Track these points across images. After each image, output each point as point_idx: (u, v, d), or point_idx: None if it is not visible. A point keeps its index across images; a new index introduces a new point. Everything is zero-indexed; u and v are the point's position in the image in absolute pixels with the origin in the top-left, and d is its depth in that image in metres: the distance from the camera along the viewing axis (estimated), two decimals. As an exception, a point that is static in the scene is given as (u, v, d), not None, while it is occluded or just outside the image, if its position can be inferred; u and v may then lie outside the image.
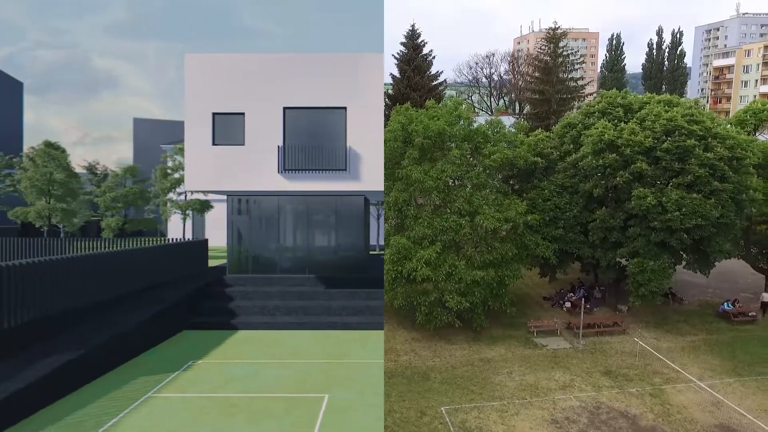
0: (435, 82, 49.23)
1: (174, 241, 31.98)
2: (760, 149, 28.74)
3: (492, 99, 71.78)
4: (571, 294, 31.58)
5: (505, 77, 72.60)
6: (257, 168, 24.03)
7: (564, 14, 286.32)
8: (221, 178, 24.08)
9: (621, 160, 25.43)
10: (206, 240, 31.54)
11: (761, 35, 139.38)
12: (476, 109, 68.72)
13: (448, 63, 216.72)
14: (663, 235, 25.34)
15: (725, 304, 30.00)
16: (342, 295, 26.69)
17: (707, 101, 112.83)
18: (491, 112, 68.70)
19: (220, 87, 24.03)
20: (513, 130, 29.17)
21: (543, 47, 48.05)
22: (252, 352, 21.90)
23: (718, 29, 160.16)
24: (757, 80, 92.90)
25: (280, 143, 23.73)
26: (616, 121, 27.43)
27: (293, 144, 23.68)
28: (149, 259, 26.22)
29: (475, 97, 75.20)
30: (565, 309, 30.78)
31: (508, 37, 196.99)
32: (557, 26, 47.39)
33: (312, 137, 23.76)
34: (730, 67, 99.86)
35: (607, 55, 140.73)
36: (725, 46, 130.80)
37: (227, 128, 23.86)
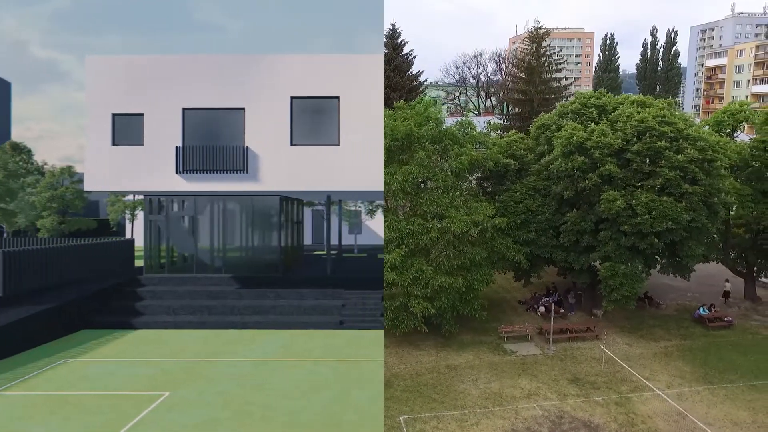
0: (415, 83, 48.66)
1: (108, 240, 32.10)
2: (735, 151, 28.22)
3: (480, 99, 71.14)
4: (546, 298, 31.01)
5: (493, 77, 72.11)
6: (156, 168, 24.25)
7: (565, 14, 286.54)
8: (120, 178, 24.34)
9: (590, 162, 24.86)
10: (132, 240, 31.54)
11: (756, 35, 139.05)
12: (463, 110, 68.18)
13: (447, 63, 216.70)
14: (634, 239, 24.78)
15: (701, 308, 29.46)
16: (251, 295, 27.06)
17: (701, 101, 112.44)
18: (479, 112, 68.13)
19: (120, 88, 24.25)
20: (484, 131, 28.57)
21: (526, 47, 47.46)
22: (131, 352, 22.26)
23: (713, 29, 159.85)
24: (749, 80, 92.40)
25: (179, 144, 23.72)
26: (589, 122, 26.87)
27: (192, 145, 23.72)
28: (60, 257, 26.55)
29: (463, 98, 74.57)
30: (539, 314, 30.23)
31: (507, 37, 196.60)
32: (540, 26, 46.84)
33: (214, 138, 23.79)
34: (722, 67, 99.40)
35: (601, 55, 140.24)
36: (720, 46, 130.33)
37: (127, 129, 23.97)
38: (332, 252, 39.86)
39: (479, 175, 29.98)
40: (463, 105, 70.90)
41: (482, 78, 70.06)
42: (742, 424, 19.70)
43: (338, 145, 23.17)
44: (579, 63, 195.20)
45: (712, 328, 28.34)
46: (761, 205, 29.57)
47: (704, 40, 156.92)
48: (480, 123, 53.35)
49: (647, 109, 25.17)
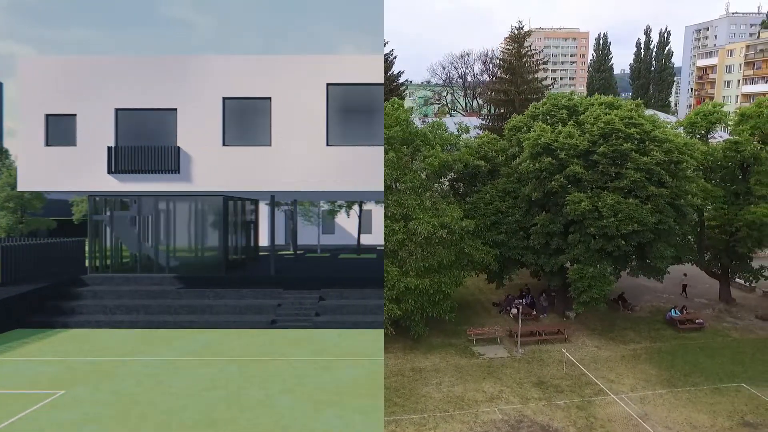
0: (395, 83, 48.45)
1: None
2: (704, 153, 28.11)
3: (467, 99, 70.91)
4: (519, 300, 30.88)
5: (481, 77, 71.86)
6: (88, 169, 24.22)
7: (565, 13, 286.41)
8: (54, 178, 24.33)
9: (557, 163, 24.73)
10: (83, 240, 31.45)
11: (750, 35, 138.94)
12: (450, 110, 68.00)
13: (434, 63, 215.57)
14: (601, 242, 24.66)
15: (672, 310, 29.36)
16: (190, 295, 27.13)
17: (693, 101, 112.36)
18: (465, 112, 67.99)
19: (54, 89, 24.22)
20: (456, 132, 28.43)
21: (508, 47, 47.32)
22: (51, 351, 22.32)
23: (707, 29, 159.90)
24: (739, 80, 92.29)
25: (112, 144, 23.70)
26: (559, 123, 26.73)
27: (124, 145, 23.73)
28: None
29: (450, 98, 74.30)
30: (511, 316, 30.08)
31: (504, 37, 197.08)
32: (521, 25, 46.68)
33: (147, 138, 23.79)
34: (713, 67, 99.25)
35: (594, 55, 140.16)
36: (714, 45, 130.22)
37: (60, 129, 23.98)
38: (298, 251, 40.12)
39: (452, 176, 29.87)
40: (450, 105, 70.69)
41: (469, 78, 69.98)
42: (701, 428, 19.60)
43: (270, 145, 23.00)
44: (574, 63, 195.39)
45: (683, 330, 28.23)
46: (734, 207, 29.48)
47: (699, 39, 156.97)
48: (463, 124, 53.27)
49: (614, 111, 25.03)
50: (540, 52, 50.83)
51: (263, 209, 40.79)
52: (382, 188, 23.58)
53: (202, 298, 26.90)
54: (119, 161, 23.44)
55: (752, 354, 25.67)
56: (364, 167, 23.04)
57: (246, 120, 23.13)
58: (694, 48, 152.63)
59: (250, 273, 30.39)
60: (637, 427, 19.83)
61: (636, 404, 21.36)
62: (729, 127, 30.25)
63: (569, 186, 24.83)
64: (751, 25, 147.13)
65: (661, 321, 29.62)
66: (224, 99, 23.08)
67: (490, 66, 55.97)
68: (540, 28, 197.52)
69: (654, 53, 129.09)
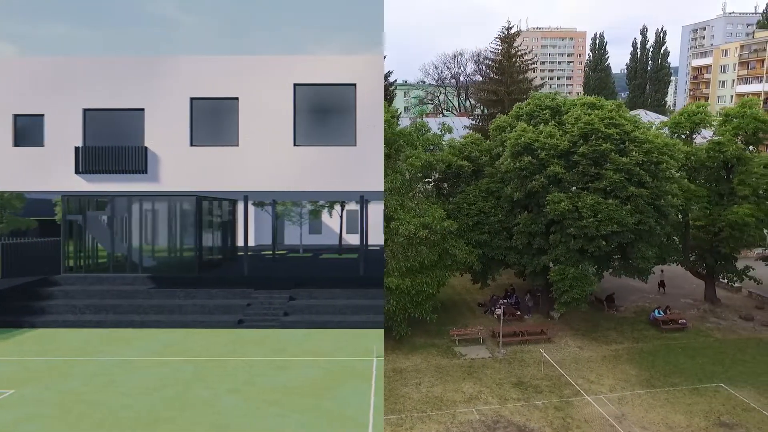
0: (384, 83, 48.41)
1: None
2: (688, 153, 28.13)
3: (459, 99, 70.96)
4: (504, 300, 30.90)
5: (474, 77, 71.83)
6: (56, 169, 24.26)
7: (567, 13, 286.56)
8: (22, 178, 24.41)
9: (538, 163, 24.75)
10: (59, 240, 31.41)
11: (747, 34, 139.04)
12: (443, 110, 68.03)
13: (426, 63, 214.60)
14: (582, 242, 24.69)
15: (656, 311, 29.38)
16: (161, 294, 27.21)
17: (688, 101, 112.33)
18: (457, 112, 67.97)
19: (21, 89, 24.27)
20: (439, 133, 28.45)
21: (497, 47, 47.33)
22: (11, 350, 22.31)
23: (704, 29, 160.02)
24: (734, 80, 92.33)
25: (80, 144, 23.74)
26: (542, 123, 26.76)
27: (92, 145, 23.75)
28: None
29: (442, 98, 74.28)
30: (496, 316, 30.09)
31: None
32: (510, 26, 46.70)
33: (114, 139, 23.81)
34: (707, 67, 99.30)
35: (590, 54, 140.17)
36: (711, 45, 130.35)
37: (28, 130, 24.07)
38: (282, 252, 40.12)
39: (437, 176, 29.91)
40: (443, 105, 70.73)
41: (462, 78, 69.96)
42: (676, 428, 19.62)
43: (237, 145, 23.02)
44: (571, 63, 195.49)
45: (666, 330, 28.25)
46: (718, 207, 29.51)
47: (696, 39, 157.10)
48: (455, 123, 53.31)
49: (595, 111, 25.05)
50: (530, 51, 50.70)
51: (250, 209, 40.81)
52: (355, 188, 23.56)
53: (173, 298, 26.97)
54: (87, 161, 23.47)
55: (733, 354, 25.70)
56: (333, 167, 23.02)
57: (214, 120, 23.17)
58: (691, 48, 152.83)
59: (225, 273, 30.42)
60: (614, 428, 19.84)
61: (614, 405, 21.38)
62: (713, 128, 30.26)
63: (550, 186, 24.85)
64: (748, 25, 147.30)
65: (645, 321, 29.65)
66: (192, 99, 23.11)
67: (482, 66, 56.02)
68: (537, 28, 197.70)
69: (650, 53, 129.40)
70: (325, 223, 46.14)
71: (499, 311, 29.98)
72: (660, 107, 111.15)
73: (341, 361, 21.25)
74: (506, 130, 28.23)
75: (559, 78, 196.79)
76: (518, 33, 47.47)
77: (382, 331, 25.18)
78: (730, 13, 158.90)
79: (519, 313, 30.12)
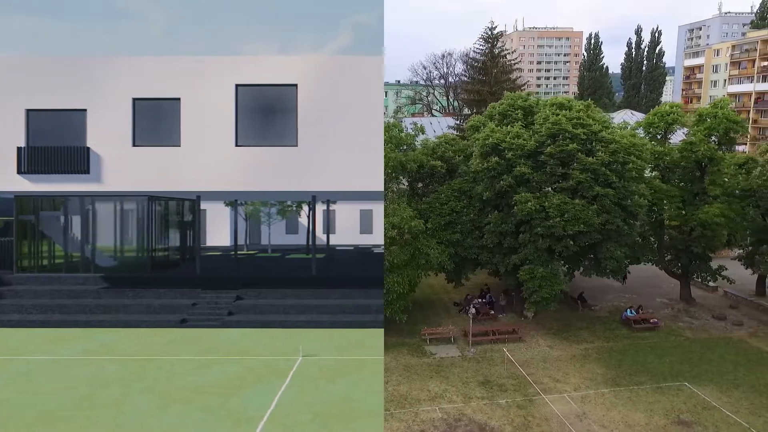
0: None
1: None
2: (655, 153, 28.28)
3: (448, 99, 71.14)
4: (478, 300, 31.06)
5: (463, 77, 71.83)
6: None
7: (567, 13, 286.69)
8: None
9: (505, 163, 24.90)
10: (11, 240, 31.24)
11: (742, 34, 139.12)
12: (431, 110, 68.28)
13: (414, 63, 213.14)
14: (549, 242, 24.83)
15: (628, 310, 29.52)
16: (110, 294, 27.12)
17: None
18: (445, 112, 68.08)
19: None
20: (412, 133, 28.60)
21: (480, 47, 47.47)
22: None
23: (700, 28, 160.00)
24: (725, 80, 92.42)
25: (22, 144, 23.57)
26: (514, 123, 26.88)
27: (34, 146, 23.52)
28: None
29: (431, 98, 74.43)
30: (469, 315, 30.24)
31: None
32: (494, 26, 46.79)
33: (58, 139, 23.52)
34: (700, 67, 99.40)
35: (585, 54, 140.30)
36: (707, 45, 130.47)
37: None
38: (249, 252, 40.01)
39: (410, 176, 30.04)
40: (432, 105, 70.94)
41: (450, 78, 70.12)
42: (635, 426, 19.77)
43: (179, 146, 23.16)
44: (568, 62, 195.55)
45: (638, 330, 28.39)
46: (692, 207, 29.64)
47: (692, 39, 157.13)
48: (440, 123, 53.45)
49: (563, 112, 25.18)
50: (513, 51, 50.79)
51: (225, 210, 41.00)
52: (297, 188, 23.43)
53: (121, 297, 26.87)
54: (30, 162, 23.34)
55: (701, 353, 25.84)
56: (276, 167, 22.96)
57: (156, 120, 23.22)
58: (687, 48, 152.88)
59: (181, 273, 30.17)
60: (574, 426, 20.01)
61: (576, 403, 21.54)
62: (686, 128, 30.39)
63: (518, 186, 24.99)
64: (744, 25, 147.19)
65: (618, 321, 29.77)
66: (134, 100, 23.13)
67: (466, 66, 56.13)
68: (534, 28, 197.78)
69: (645, 53, 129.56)
70: (301, 223, 46.17)
71: (473, 311, 30.21)
72: (655, 107, 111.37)
73: (266, 360, 20.85)
74: (479, 130, 28.38)
75: (555, 78, 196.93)
76: (501, 33, 47.54)
77: (292, 330, 24.63)
78: (726, 13, 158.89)
79: (493, 312, 30.26)
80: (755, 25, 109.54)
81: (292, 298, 26.70)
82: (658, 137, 30.93)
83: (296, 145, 22.73)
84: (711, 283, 33.47)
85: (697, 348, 26.46)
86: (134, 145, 23.12)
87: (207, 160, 23.12)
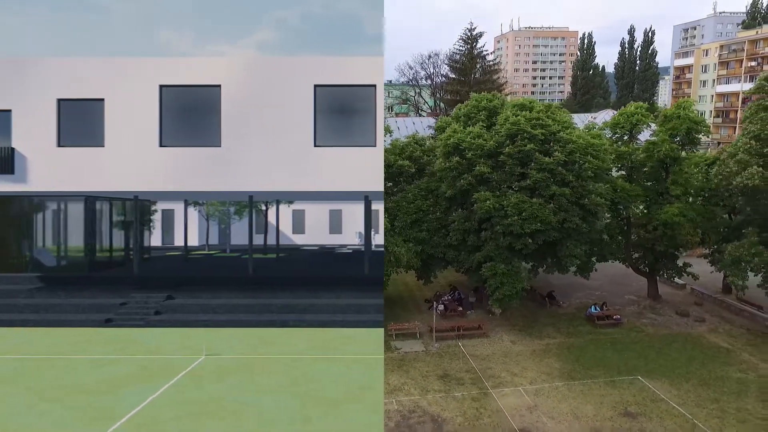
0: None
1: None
2: (614, 153, 28.91)
3: (436, 99, 71.83)
4: (447, 297, 31.71)
5: (452, 77, 72.43)
6: None
7: (567, 13, 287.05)
8: None
9: (466, 163, 25.54)
10: None
11: (736, 34, 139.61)
12: (419, 110, 69.03)
13: (401, 63, 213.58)
14: (508, 239, 25.46)
15: (593, 307, 30.14)
16: (43, 293, 27.08)
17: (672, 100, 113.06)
18: (430, 111, 68.76)
19: None
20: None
21: (460, 48, 48.11)
22: None
23: (695, 28, 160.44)
24: (714, 80, 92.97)
25: None
26: (478, 124, 27.53)
27: None
28: None
29: (416, 98, 75.14)
30: (438, 312, 30.88)
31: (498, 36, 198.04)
32: (473, 27, 47.41)
33: None
34: (689, 67, 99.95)
35: (578, 54, 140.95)
36: (696, 45, 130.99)
37: None
38: (211, 252, 39.98)
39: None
40: (418, 105, 71.69)
41: (437, 79, 70.61)
42: (583, 418, 20.39)
43: (103, 146, 23.49)
44: (563, 62, 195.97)
45: (601, 326, 29.01)
46: (656, 206, 30.25)
47: (686, 39, 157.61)
48: (423, 123, 54.04)
49: (523, 113, 25.80)
50: (493, 53, 51.38)
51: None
52: (222, 188, 23.70)
53: (53, 297, 26.72)
54: None
55: (659, 348, 26.46)
56: (199, 167, 23.25)
57: (81, 121, 23.51)
58: (681, 47, 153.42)
59: (120, 273, 29.99)
60: (523, 417, 20.65)
61: (530, 396, 22.17)
62: (650, 128, 31.01)
63: (479, 185, 25.63)
64: (738, 24, 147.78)
65: (583, 317, 30.40)
66: (59, 100, 23.41)
67: (444, 67, 56.94)
68: (529, 27, 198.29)
69: (638, 52, 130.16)
70: (271, 222, 46.59)
71: (441, 307, 30.87)
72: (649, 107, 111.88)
73: (166, 359, 20.59)
74: (444, 131, 29.02)
75: (551, 78, 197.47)
76: (480, 34, 48.17)
77: (210, 330, 24.43)
78: (720, 13, 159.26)
79: (461, 309, 30.90)
80: (746, 25, 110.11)
81: (223, 298, 26.52)
82: (625, 138, 31.54)
83: (220, 146, 23.09)
84: (679, 281, 34.09)
85: (656, 343, 27.09)
86: (59, 145, 23.42)
87: (131, 161, 23.40)
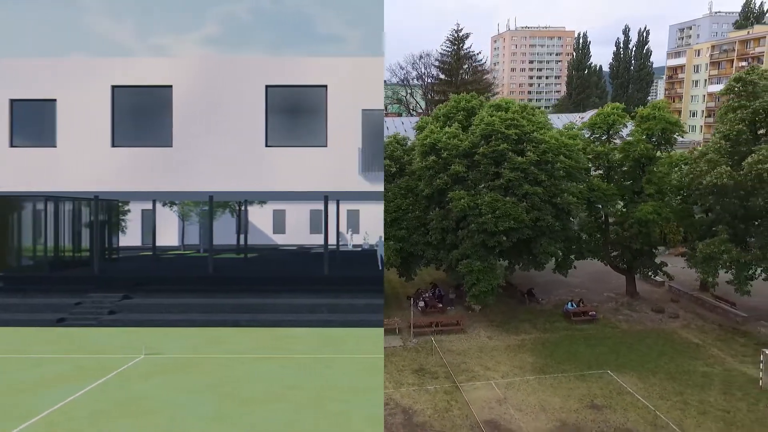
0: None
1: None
2: (595, 153, 29.49)
3: (427, 99, 72.47)
4: (428, 294, 32.34)
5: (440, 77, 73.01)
6: None
7: (567, 12, 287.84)
8: None
9: (442, 162, 26.14)
10: None
11: (728, 34, 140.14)
12: (411, 110, 69.69)
13: (392, 64, 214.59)
14: (483, 237, 26.07)
15: (569, 303, 30.77)
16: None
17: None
18: (421, 110, 69.39)
19: None
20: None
21: (446, 49, 48.69)
22: None
23: (690, 28, 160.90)
24: (705, 80, 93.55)
25: None
26: (456, 124, 28.14)
27: None
28: None
29: (407, 98, 75.79)
30: (419, 309, 31.51)
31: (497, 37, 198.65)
32: (460, 28, 47.99)
33: None
34: (682, 67, 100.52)
35: (574, 54, 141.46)
36: (694, 45, 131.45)
37: None
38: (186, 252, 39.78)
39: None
40: (410, 105, 72.33)
41: (428, 79, 71.24)
42: (549, 410, 21.02)
43: (55, 146, 23.76)
44: (560, 62, 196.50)
45: (576, 322, 29.62)
46: (632, 205, 30.84)
47: (682, 39, 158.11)
48: (411, 123, 54.55)
49: (499, 113, 26.39)
50: (479, 53, 52.00)
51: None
52: (172, 188, 24.04)
53: (12, 297, 26.48)
54: None
55: (631, 344, 27.07)
56: (151, 167, 23.60)
57: (33, 121, 23.81)
58: (677, 47, 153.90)
59: (82, 273, 29.75)
60: (492, 409, 21.27)
61: (500, 389, 22.79)
62: (626, 128, 31.60)
63: (454, 184, 26.24)
64: (733, 24, 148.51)
65: (560, 314, 31.00)
66: (11, 101, 23.59)
67: (430, 67, 57.47)
68: (526, 27, 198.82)
69: (633, 52, 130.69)
70: (252, 223, 46.91)
71: (422, 304, 31.51)
72: (643, 106, 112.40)
73: (102, 359, 20.32)
74: (423, 130, 29.64)
75: (548, 77, 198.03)
76: (467, 35, 48.74)
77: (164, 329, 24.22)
78: (716, 13, 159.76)
79: (441, 305, 31.51)
80: (739, 25, 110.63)
81: (180, 298, 26.33)
82: (603, 138, 32.13)
83: (171, 146, 23.48)
84: (658, 278, 34.68)
85: (628, 339, 27.70)
86: (12, 146, 23.66)
87: (83, 161, 23.68)
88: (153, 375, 18.67)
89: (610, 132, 31.91)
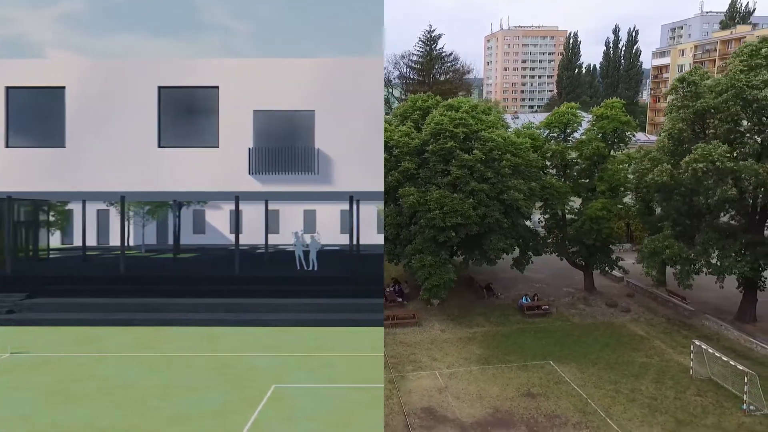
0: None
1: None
2: (552, 151, 30.37)
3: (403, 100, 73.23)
4: (388, 289, 33.13)
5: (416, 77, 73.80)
6: None
7: (567, 12, 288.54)
8: None
9: (394, 160, 26.97)
10: None
11: (712, 34, 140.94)
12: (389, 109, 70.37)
13: None
14: (432, 232, 26.90)
15: (524, 298, 31.58)
16: None
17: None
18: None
19: None
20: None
21: (419, 49, 49.54)
22: None
23: (681, 27, 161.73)
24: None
25: None
26: (410, 123, 29.00)
27: None
28: None
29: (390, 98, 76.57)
30: (379, 302, 32.30)
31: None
32: (433, 29, 48.82)
33: None
34: (666, 66, 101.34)
35: (564, 53, 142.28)
36: (679, 45, 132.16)
37: None
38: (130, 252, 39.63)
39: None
40: (391, 104, 73.01)
41: (406, 79, 71.90)
42: (486, 398, 21.83)
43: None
44: (552, 61, 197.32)
45: (529, 316, 30.45)
46: (587, 202, 31.69)
47: (674, 38, 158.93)
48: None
49: (450, 113, 27.22)
50: (450, 54, 52.73)
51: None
52: (66, 189, 24.50)
53: None
54: None
55: (578, 336, 27.90)
56: (44, 168, 24.08)
57: None
58: (669, 46, 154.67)
59: (30, 272, 29.77)
60: (432, 398, 22.09)
61: (443, 379, 23.60)
62: (581, 127, 32.44)
63: (406, 181, 27.07)
64: (719, 24, 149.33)
65: (515, 308, 31.83)
66: None
67: (402, 67, 58.18)
68: (519, 27, 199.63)
69: (622, 52, 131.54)
70: (209, 223, 47.10)
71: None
72: (632, 105, 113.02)
73: None
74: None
75: (540, 77, 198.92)
76: (440, 36, 49.53)
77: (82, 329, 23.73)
78: (707, 13, 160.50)
79: (400, 300, 32.33)
80: (724, 25, 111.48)
81: (84, 297, 26.31)
82: (559, 137, 32.95)
83: (64, 147, 24.00)
84: (617, 274, 35.51)
85: (577, 332, 28.52)
86: None
87: (37, 163, 24.19)
88: (4, 374, 18.36)
89: (567, 131, 32.75)
